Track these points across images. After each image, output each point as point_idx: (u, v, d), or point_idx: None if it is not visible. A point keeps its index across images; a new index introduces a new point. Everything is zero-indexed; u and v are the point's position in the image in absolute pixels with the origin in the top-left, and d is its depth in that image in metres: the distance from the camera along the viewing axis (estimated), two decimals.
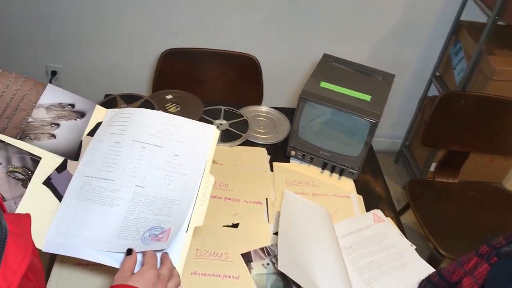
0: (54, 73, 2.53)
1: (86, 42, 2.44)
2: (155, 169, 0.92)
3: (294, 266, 1.08)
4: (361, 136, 1.37)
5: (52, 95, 0.97)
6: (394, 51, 2.52)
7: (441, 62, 2.51)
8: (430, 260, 1.73)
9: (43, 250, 0.83)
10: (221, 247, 1.19)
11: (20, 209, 0.82)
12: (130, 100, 1.54)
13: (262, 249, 1.20)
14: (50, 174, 0.89)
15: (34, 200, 0.85)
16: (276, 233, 1.24)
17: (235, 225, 1.25)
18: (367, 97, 1.38)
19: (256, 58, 1.92)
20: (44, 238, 0.84)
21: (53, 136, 0.93)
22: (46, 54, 2.49)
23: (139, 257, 0.81)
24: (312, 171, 1.47)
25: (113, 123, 0.99)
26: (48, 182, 0.88)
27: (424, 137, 1.94)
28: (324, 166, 1.47)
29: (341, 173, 1.46)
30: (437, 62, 2.52)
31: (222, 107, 1.64)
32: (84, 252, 0.83)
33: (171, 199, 0.90)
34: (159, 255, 0.83)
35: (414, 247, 1.27)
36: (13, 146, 0.86)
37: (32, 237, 0.81)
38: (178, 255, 0.85)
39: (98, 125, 1.00)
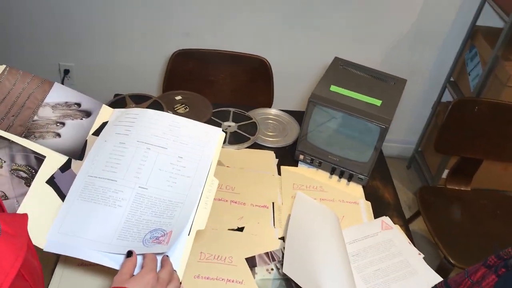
0: (66, 71, 2.54)
1: (98, 41, 2.45)
2: (158, 170, 0.91)
3: (300, 269, 1.06)
4: (371, 141, 1.35)
5: (58, 93, 0.97)
6: (408, 56, 2.49)
7: (456, 67, 2.47)
8: (440, 269, 1.71)
9: (44, 250, 0.82)
10: (226, 250, 1.18)
11: (23, 208, 0.81)
12: (139, 100, 1.54)
13: (267, 254, 1.19)
14: (54, 173, 0.89)
15: (37, 199, 0.84)
16: (281, 238, 1.23)
17: (240, 229, 1.24)
18: (378, 102, 1.36)
19: (267, 60, 1.91)
20: (45, 238, 0.83)
21: (58, 135, 0.92)
22: (60, 52, 2.51)
23: (139, 259, 0.80)
24: (320, 176, 1.46)
25: (119, 123, 0.98)
26: (51, 181, 0.88)
27: (436, 143, 1.91)
28: (332, 171, 1.45)
29: (350, 178, 1.44)
30: (452, 68, 2.48)
31: (231, 109, 1.63)
32: (85, 252, 0.82)
33: (174, 201, 0.89)
34: (159, 258, 0.82)
35: (422, 255, 1.24)
36: (17, 144, 0.86)
37: (34, 236, 0.81)
38: (179, 259, 0.84)
39: (104, 124, 0.99)
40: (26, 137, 0.88)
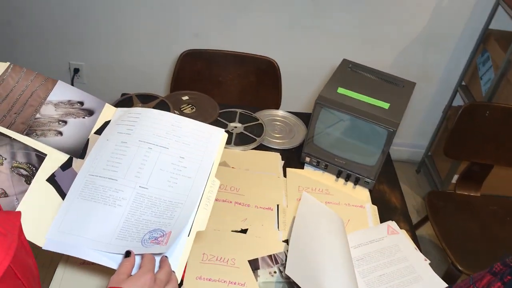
0: (76, 70, 2.55)
1: (108, 41, 2.46)
2: (159, 170, 0.91)
3: (302, 272, 1.05)
4: (378, 145, 1.33)
5: (61, 92, 0.96)
6: (419, 59, 2.46)
7: (468, 71, 2.44)
8: (447, 276, 1.69)
9: (43, 248, 0.82)
10: (228, 252, 1.17)
11: (22, 206, 0.81)
12: (146, 100, 1.53)
13: (270, 256, 1.17)
14: (55, 172, 0.88)
15: (37, 197, 0.84)
16: (285, 241, 1.21)
17: (244, 231, 1.23)
18: (386, 105, 1.34)
19: (275, 62, 1.90)
20: (44, 236, 0.83)
21: (60, 133, 0.92)
22: (70, 52, 2.52)
23: (138, 259, 0.80)
24: (326, 179, 1.44)
25: (121, 123, 0.98)
26: (52, 180, 0.87)
27: (446, 147, 1.88)
28: (339, 174, 1.43)
29: (356, 182, 1.42)
30: (463, 72, 2.45)
31: (238, 110, 1.62)
32: (84, 251, 0.82)
33: (174, 202, 0.88)
34: (158, 258, 0.81)
35: (429, 261, 1.22)
36: (19, 141, 0.86)
37: (33, 235, 0.81)
38: (178, 260, 0.83)
39: (106, 123, 0.99)
40: (27, 134, 0.88)
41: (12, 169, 0.83)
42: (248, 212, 1.28)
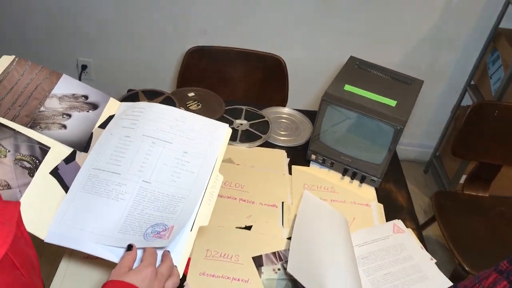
0: (84, 67, 2.56)
1: (116, 38, 2.47)
2: (163, 165, 0.90)
3: (304, 270, 1.04)
4: (385, 143, 1.32)
5: (66, 85, 0.96)
6: (427, 58, 2.44)
7: (477, 70, 2.41)
8: (454, 276, 1.67)
9: (45, 241, 0.82)
10: (232, 249, 1.16)
11: (25, 198, 0.81)
12: (152, 96, 1.53)
13: (274, 253, 1.17)
14: (58, 165, 0.88)
15: (40, 190, 0.84)
16: (289, 238, 1.21)
17: (248, 227, 1.22)
18: (393, 103, 1.33)
19: (282, 59, 1.89)
20: (47, 229, 0.83)
21: (64, 126, 0.92)
22: (78, 48, 2.53)
23: (139, 253, 0.79)
24: (332, 177, 1.43)
25: (125, 117, 0.97)
26: (55, 173, 0.87)
27: (454, 147, 1.86)
28: (344, 172, 1.42)
29: (362, 180, 1.41)
30: (473, 71, 2.43)
31: (244, 107, 1.61)
32: (85, 245, 0.81)
33: (177, 196, 0.88)
34: (160, 252, 0.81)
35: (434, 260, 1.21)
36: (22, 134, 0.86)
37: (35, 227, 0.80)
38: (181, 254, 0.82)
39: (111, 118, 0.99)
40: (31, 127, 0.88)
41: (16, 161, 0.83)
42: (253, 209, 1.28)
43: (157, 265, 0.78)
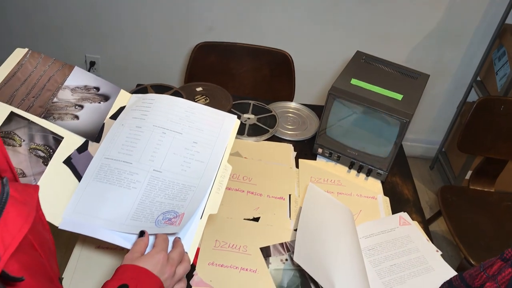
0: (92, 63, 2.59)
1: (124, 34, 2.49)
2: (173, 155, 0.92)
3: (310, 259, 1.06)
4: (391, 136, 1.33)
5: (78, 77, 0.98)
6: (434, 54, 2.45)
7: (483, 66, 2.42)
8: (459, 270, 1.67)
9: (59, 227, 0.84)
10: (241, 239, 1.18)
11: (40, 186, 0.83)
12: (161, 90, 1.55)
13: (281, 244, 1.18)
14: (71, 154, 0.90)
15: (54, 178, 0.86)
16: (297, 230, 1.22)
17: (256, 219, 1.24)
18: (399, 96, 1.34)
19: (289, 55, 1.90)
20: (61, 216, 0.85)
21: (76, 117, 0.94)
22: (86, 45, 2.56)
23: (151, 239, 0.81)
24: (338, 170, 1.44)
25: (136, 108, 0.99)
26: (68, 162, 0.89)
27: (460, 142, 1.87)
28: (351, 166, 1.44)
29: (369, 173, 1.42)
30: (479, 67, 2.43)
31: (251, 101, 1.63)
32: (99, 231, 0.83)
33: (187, 185, 0.89)
34: (171, 239, 0.82)
35: (440, 252, 1.22)
36: (36, 124, 0.88)
37: (50, 214, 0.82)
38: (191, 241, 0.84)
39: (121, 109, 1.01)
40: (45, 118, 0.90)
41: (30, 150, 0.85)
42: (261, 201, 1.29)
43: (168, 251, 0.80)
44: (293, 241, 1.19)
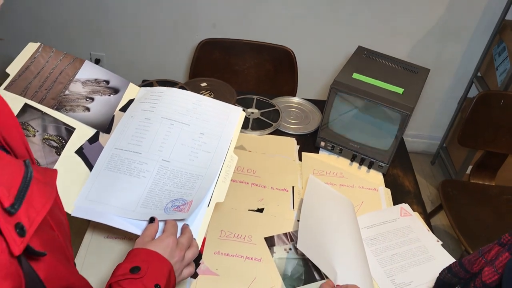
0: (97, 61, 2.62)
1: (129, 32, 2.52)
2: (181, 145, 0.95)
3: (313, 247, 1.08)
4: (392, 129, 1.36)
5: (89, 71, 1.02)
6: (434, 50, 2.47)
7: (483, 62, 2.44)
8: None
9: (72, 215, 0.87)
10: (245, 230, 1.21)
11: None
12: (166, 85, 1.57)
13: (285, 234, 1.21)
14: (83, 145, 0.93)
15: (66, 167, 0.89)
16: (299, 220, 1.25)
17: (260, 210, 1.27)
18: (400, 90, 1.37)
19: (292, 51, 1.93)
20: (73, 204, 0.88)
21: (87, 109, 0.97)
22: (91, 43, 2.59)
23: (161, 225, 0.84)
24: (340, 163, 1.47)
25: (145, 101, 1.02)
26: (80, 152, 0.92)
27: (460, 136, 1.90)
28: (353, 158, 1.46)
29: (370, 166, 1.45)
30: (479, 62, 2.46)
31: (255, 96, 1.66)
32: (110, 218, 0.86)
33: (195, 174, 0.93)
34: (180, 225, 0.86)
35: (441, 242, 1.25)
36: (49, 116, 0.91)
37: (63, 202, 0.86)
38: (199, 228, 0.87)
39: (131, 101, 1.04)
40: (57, 109, 0.93)
41: (44, 140, 0.88)
42: (265, 193, 1.32)
43: (177, 236, 0.83)
44: (296, 231, 1.22)
